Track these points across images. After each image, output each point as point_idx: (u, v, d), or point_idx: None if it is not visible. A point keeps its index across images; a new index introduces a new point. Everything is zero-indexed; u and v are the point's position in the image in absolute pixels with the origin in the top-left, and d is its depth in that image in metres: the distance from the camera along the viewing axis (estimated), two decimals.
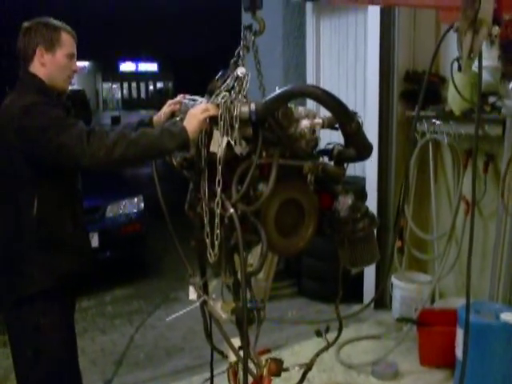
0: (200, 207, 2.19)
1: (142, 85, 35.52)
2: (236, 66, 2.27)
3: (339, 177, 2.39)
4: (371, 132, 4.17)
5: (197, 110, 2.08)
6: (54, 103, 2.24)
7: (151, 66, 33.04)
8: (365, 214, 2.37)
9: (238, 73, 2.17)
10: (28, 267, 2.24)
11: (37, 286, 2.24)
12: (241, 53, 2.29)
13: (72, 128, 2.08)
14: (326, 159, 2.39)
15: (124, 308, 4.92)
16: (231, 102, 2.09)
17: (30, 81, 2.29)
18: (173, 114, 2.40)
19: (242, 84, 2.16)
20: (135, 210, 5.41)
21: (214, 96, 2.17)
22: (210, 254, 2.16)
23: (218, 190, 2.08)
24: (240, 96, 2.12)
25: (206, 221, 2.16)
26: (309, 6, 5.28)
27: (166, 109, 2.43)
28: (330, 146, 2.39)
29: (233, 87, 2.15)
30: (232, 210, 2.07)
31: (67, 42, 2.33)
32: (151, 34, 20.81)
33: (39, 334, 2.26)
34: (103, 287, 5.18)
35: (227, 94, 2.10)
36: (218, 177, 2.07)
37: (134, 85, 34.91)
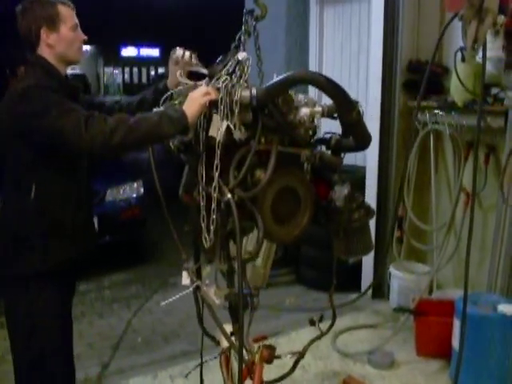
0: (196, 192, 2.18)
1: (144, 70, 35.47)
2: (237, 50, 2.25)
3: (336, 166, 2.38)
4: (373, 121, 4.16)
5: (197, 94, 2.06)
6: (56, 87, 2.19)
7: (153, 51, 32.95)
8: (361, 205, 2.36)
9: (239, 57, 2.15)
10: (26, 250, 2.23)
11: (32, 268, 2.24)
12: (242, 37, 2.28)
13: (70, 114, 2.05)
14: (323, 148, 2.39)
15: (122, 292, 4.93)
16: (232, 87, 2.07)
17: (35, 63, 2.26)
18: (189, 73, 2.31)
19: (243, 69, 2.14)
20: (135, 195, 5.39)
21: (214, 80, 2.15)
22: (205, 239, 2.16)
23: (216, 174, 2.07)
24: (241, 81, 2.11)
25: (201, 205, 2.15)
26: None
27: (173, 68, 2.37)
28: (328, 136, 2.38)
29: (233, 72, 2.13)
30: (229, 196, 2.06)
31: (67, 14, 2.28)
32: (153, 18, 20.73)
33: (33, 315, 2.26)
34: (102, 271, 5.18)
35: (228, 78, 2.09)
36: (216, 161, 2.05)
37: (135, 70, 34.86)
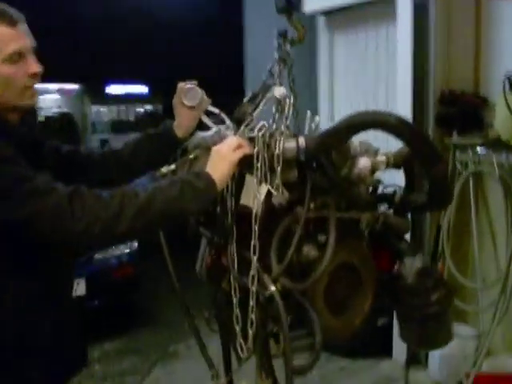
0: (226, 282, 1.58)
1: (131, 107, 35.21)
2: (270, 85, 1.69)
3: (403, 231, 1.82)
4: None
5: (226, 149, 1.48)
6: (7, 153, 1.42)
7: (140, 89, 32.70)
8: (439, 282, 1.78)
9: (277, 94, 1.58)
10: None
11: None
12: (276, 68, 1.72)
13: (44, 195, 1.38)
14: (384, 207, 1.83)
15: (115, 367, 4.23)
16: (271, 136, 1.49)
17: None
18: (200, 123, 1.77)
19: (283, 110, 1.57)
20: (127, 251, 4.74)
21: (243, 126, 1.57)
22: (241, 348, 1.55)
23: (254, 259, 1.48)
24: (282, 127, 1.53)
25: (235, 301, 1.55)
26: (321, 20, 4.73)
27: (185, 111, 1.76)
28: (390, 190, 1.83)
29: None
30: (273, 288, 1.47)
31: (5, 37, 1.48)
32: (141, 56, 20.48)
33: None
34: (91, 341, 4.49)
35: (264, 123, 1.51)
36: (254, 241, 1.47)
37: (122, 107, 34.56)
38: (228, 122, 1.65)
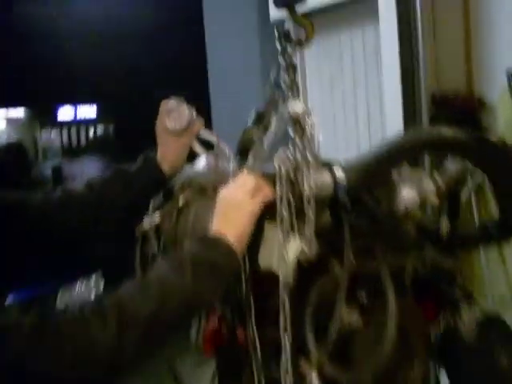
0: (248, 374, 1.16)
1: (82, 130, 34.71)
2: (277, 100, 1.29)
3: (455, 274, 1.44)
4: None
5: (241, 193, 1.06)
6: None
7: (91, 111, 32.24)
8: (509, 337, 1.41)
9: (294, 111, 1.17)
10: None
11: None
12: (286, 77, 1.32)
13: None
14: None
15: None
16: (295, 169, 1.09)
17: None
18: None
19: (305, 131, 1.16)
20: (94, 294, 4.24)
21: (251, 157, 1.16)
22: None
23: (285, 340, 1.06)
24: (307, 154, 1.13)
25: None
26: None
27: (169, 138, 1.36)
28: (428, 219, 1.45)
29: (291, 140, 1.16)
30: (314, 378, 1.07)
31: None
32: (89, 77, 19.93)
33: None
34: None
35: (287, 151, 1.10)
36: (284, 321, 1.05)
37: (73, 131, 34.03)
38: (227, 150, 1.25)
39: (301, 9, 1.46)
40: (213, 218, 1.07)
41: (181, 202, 1.25)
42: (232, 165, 1.19)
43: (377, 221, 1.13)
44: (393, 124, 3.37)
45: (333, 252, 1.15)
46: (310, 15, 4.09)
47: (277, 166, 1.06)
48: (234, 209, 1.06)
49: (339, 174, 1.09)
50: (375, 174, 1.08)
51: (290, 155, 1.07)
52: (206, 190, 1.22)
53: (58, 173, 17.48)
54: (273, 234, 1.07)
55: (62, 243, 1.30)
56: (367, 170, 1.08)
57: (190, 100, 1.38)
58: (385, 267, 1.16)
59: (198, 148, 1.32)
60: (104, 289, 4.26)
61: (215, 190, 1.20)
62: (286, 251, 1.03)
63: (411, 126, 3.32)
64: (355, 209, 1.11)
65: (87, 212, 1.31)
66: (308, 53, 4.30)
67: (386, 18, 3.35)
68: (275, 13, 4.00)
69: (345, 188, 1.07)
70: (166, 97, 1.37)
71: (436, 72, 3.38)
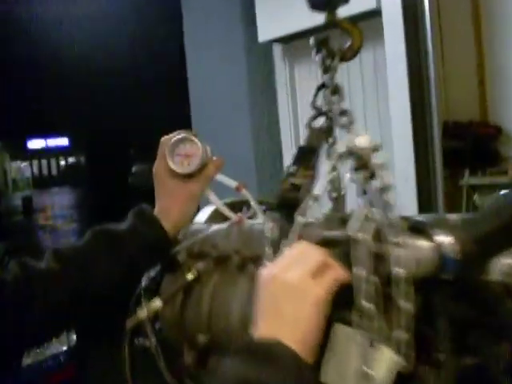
0: None
1: (53, 161, 34.64)
2: (323, 131, 0.92)
3: None
4: (409, 210, 2.89)
5: (298, 272, 0.68)
6: None
7: (62, 141, 32.29)
8: None
9: (361, 146, 0.81)
10: None
11: None
12: (332, 98, 0.96)
13: None
14: None
15: None
16: (378, 233, 0.72)
17: None
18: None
19: (377, 176, 0.80)
20: (65, 348, 3.77)
21: (298, 216, 0.79)
22: None
23: None
24: (386, 211, 0.76)
25: None
26: (277, 49, 4.04)
27: (174, 183, 1.01)
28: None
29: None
30: None
31: None
32: (60, 108, 19.75)
33: None
34: None
35: (366, 209, 0.73)
36: None
37: (44, 162, 33.96)
38: (254, 204, 0.88)
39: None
40: (255, 312, 0.69)
41: (190, 276, 0.87)
42: (268, 225, 0.82)
43: (484, 307, 0.78)
44: (402, 156, 3.05)
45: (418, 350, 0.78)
46: (298, 38, 3.80)
47: (353, 233, 0.68)
48: (290, 297, 0.69)
49: (449, 242, 0.71)
50: (496, 243, 0.72)
51: (369, 215, 0.71)
52: (230, 259, 0.84)
53: (28, 204, 17.08)
54: (346, 337, 0.69)
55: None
56: (486, 239, 0.71)
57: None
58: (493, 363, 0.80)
59: (213, 198, 0.96)
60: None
61: (244, 261, 0.84)
62: (369, 366, 0.66)
63: (423, 158, 3.00)
64: (456, 291, 0.75)
65: (52, 299, 0.90)
66: (299, 79, 3.99)
67: (392, 43, 3.04)
68: (264, 34, 3.70)
69: (457, 263, 0.70)
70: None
71: (447, 98, 3.08)
